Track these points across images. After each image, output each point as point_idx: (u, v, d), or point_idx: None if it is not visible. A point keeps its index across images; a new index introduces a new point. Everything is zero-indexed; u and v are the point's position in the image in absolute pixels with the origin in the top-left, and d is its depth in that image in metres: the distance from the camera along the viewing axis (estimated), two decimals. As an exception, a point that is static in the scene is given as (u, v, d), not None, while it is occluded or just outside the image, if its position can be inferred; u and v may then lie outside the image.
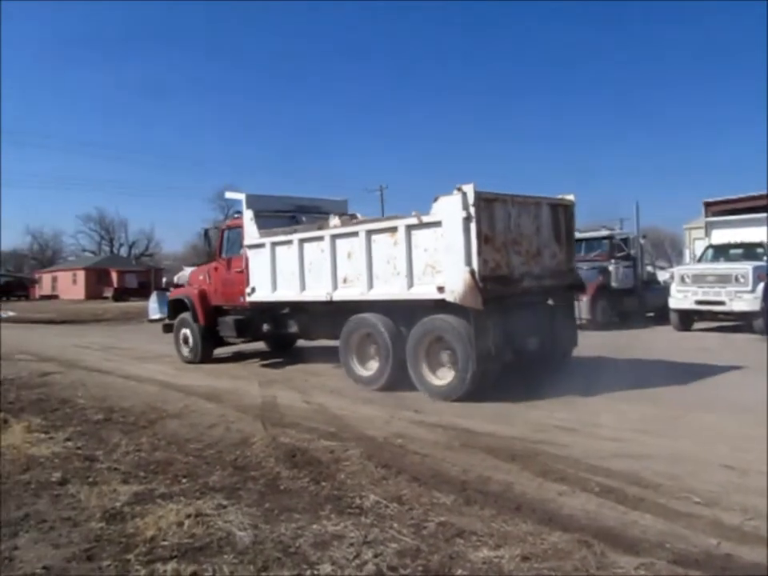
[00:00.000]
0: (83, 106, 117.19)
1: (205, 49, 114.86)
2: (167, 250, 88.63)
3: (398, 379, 8.84)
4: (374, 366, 9.21)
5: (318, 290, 9.83)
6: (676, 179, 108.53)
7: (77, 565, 3.49)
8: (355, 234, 9.30)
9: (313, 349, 12.12)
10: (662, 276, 21.81)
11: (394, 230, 8.77)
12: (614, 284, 18.13)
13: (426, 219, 8.32)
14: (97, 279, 61.69)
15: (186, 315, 12.73)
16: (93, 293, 58.25)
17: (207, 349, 12.53)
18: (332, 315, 9.90)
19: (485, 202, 7.99)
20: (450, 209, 7.97)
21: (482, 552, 3.59)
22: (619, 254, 18.58)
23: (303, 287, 10.14)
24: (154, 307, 28.33)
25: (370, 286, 9.05)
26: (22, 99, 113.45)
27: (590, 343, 11.06)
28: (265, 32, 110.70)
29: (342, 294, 9.52)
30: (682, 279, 16.08)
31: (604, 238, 19.07)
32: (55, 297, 61.59)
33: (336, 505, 4.40)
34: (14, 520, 4.14)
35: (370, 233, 9.08)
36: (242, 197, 11.74)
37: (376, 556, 3.57)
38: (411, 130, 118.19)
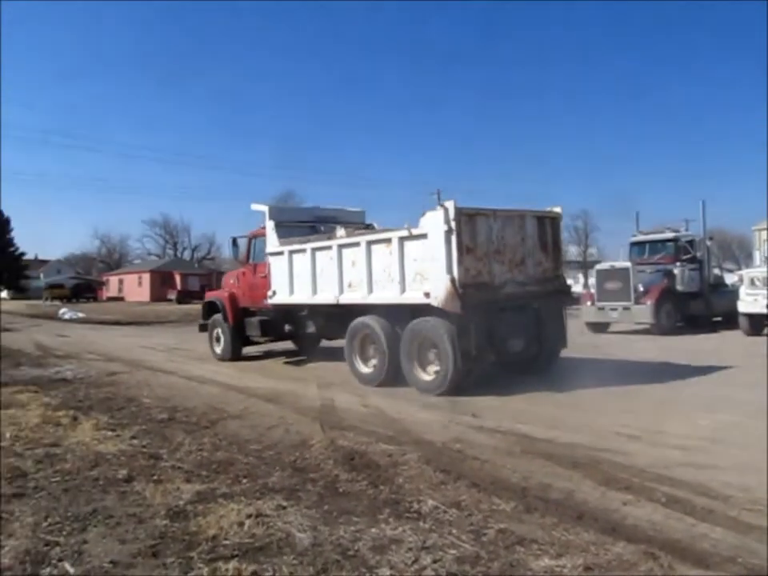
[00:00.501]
0: (149, 114, 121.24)
1: (270, 57, 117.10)
2: (228, 253, 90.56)
3: (395, 376, 9.62)
4: (373, 363, 10.08)
5: (328, 294, 10.87)
6: (743, 179, 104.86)
7: (142, 560, 3.58)
8: (357, 244, 10.29)
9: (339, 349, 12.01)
10: (729, 279, 21.09)
11: (389, 241, 9.69)
12: (679, 287, 17.63)
13: (415, 232, 9.24)
14: (161, 282, 63.50)
15: (218, 316, 13.85)
16: (157, 295, 59.95)
17: (236, 347, 13.59)
18: (341, 317, 10.78)
19: (466, 217, 8.83)
20: (434, 222, 8.82)
21: (543, 561, 3.52)
22: (685, 257, 18.07)
23: (315, 291, 11.17)
24: None
25: (370, 290, 10.02)
26: (92, 106, 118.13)
27: (660, 346, 10.75)
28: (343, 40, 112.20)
29: (348, 298, 10.49)
30: (752, 282, 15.49)
31: (669, 240, 18.56)
32: (121, 299, 63.73)
33: (394, 509, 4.39)
34: (83, 515, 4.28)
35: (369, 243, 10.05)
36: (264, 208, 12.78)
37: (435, 561, 3.54)
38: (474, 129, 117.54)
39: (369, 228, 11.94)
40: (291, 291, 11.74)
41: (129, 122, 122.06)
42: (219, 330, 13.88)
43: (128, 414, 7.87)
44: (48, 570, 3.47)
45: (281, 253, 11.93)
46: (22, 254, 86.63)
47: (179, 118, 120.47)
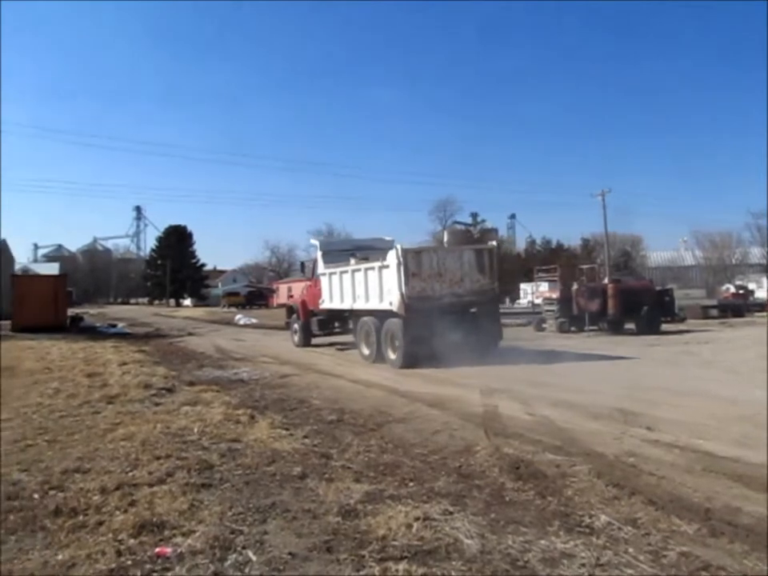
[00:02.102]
0: (309, 128, 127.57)
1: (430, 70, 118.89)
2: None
3: (381, 357, 14.26)
4: (370, 348, 14.93)
5: (347, 302, 15.98)
6: None
7: (317, 555, 3.76)
8: (360, 269, 15.33)
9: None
10: None
11: (374, 268, 14.60)
12: None
13: (385, 263, 14.02)
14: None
15: (295, 316, 19.99)
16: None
17: (306, 338, 19.13)
18: (355, 317, 15.84)
19: (413, 253, 13.91)
20: (391, 258, 13.73)
21: (733, 590, 3.25)
22: None
23: (342, 300, 16.33)
24: None
25: (367, 300, 14.92)
26: (257, 124, 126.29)
27: None
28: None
29: (357, 305, 15.50)
30: None
31: None
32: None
33: (564, 522, 4.26)
34: (263, 507, 4.57)
35: (366, 269, 15.01)
36: (317, 242, 19.30)
37: (610, 580, 3.39)
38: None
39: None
40: (331, 300, 16.99)
41: (300, 137, 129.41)
42: (296, 326, 19.74)
43: (300, 415, 8.30)
44: (234, 556, 3.74)
45: (324, 274, 17.36)
46: (203, 265, 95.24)
47: (345, 132, 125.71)
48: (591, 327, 23.47)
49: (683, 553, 3.75)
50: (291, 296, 24.21)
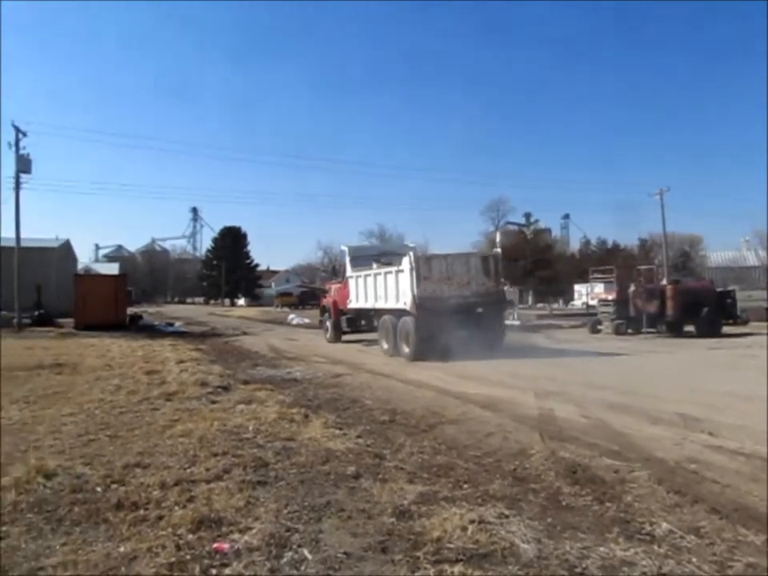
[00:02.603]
0: (364, 129, 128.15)
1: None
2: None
3: (398, 351, 16.07)
4: (389, 343, 16.83)
5: (371, 302, 18.08)
6: None
7: (372, 555, 3.76)
8: (380, 273, 17.51)
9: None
10: None
11: (391, 272, 16.68)
12: None
13: (400, 268, 16.11)
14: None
15: (327, 314, 22.45)
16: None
17: (338, 334, 21.31)
18: (378, 315, 17.97)
19: (423, 259, 15.97)
20: (405, 263, 15.75)
21: (805, 604, 3.12)
22: None
23: (366, 300, 18.43)
24: None
25: (386, 300, 16.98)
26: (312, 125, 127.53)
27: None
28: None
29: (378, 305, 17.59)
30: None
31: None
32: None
33: (624, 528, 4.16)
34: (317, 506, 4.60)
35: (385, 273, 17.12)
36: (346, 249, 21.30)
37: (673, 590, 3.29)
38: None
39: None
40: (357, 300, 19.17)
41: (354, 137, 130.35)
42: (328, 323, 22.19)
43: (352, 414, 8.34)
44: (290, 554, 3.78)
45: (351, 276, 19.60)
46: (257, 265, 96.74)
47: (398, 132, 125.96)
48: (649, 329, 22.92)
49: (750, 564, 3.62)
50: (325, 296, 25.69)
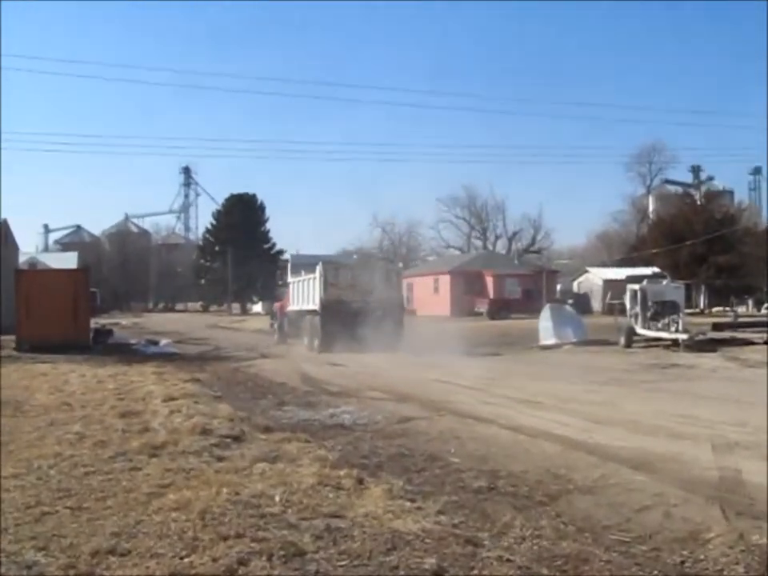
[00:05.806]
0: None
1: None
2: (562, 243, 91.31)
3: (312, 345, 30.84)
4: (308, 338, 31.62)
5: (299, 305, 33.77)
6: None
7: None
8: (305, 280, 32.60)
9: None
10: None
11: (309, 279, 31.82)
12: None
13: (315, 275, 30.89)
14: (465, 287, 66.34)
15: (275, 318, 40.18)
16: (460, 306, 62.82)
17: (282, 336, 36.45)
18: (303, 317, 33.14)
19: (332, 268, 31.74)
20: (317, 271, 30.83)
21: None
22: None
23: (297, 303, 33.99)
24: (547, 327, 29.30)
25: (306, 303, 32.24)
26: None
27: None
28: None
29: (303, 307, 32.73)
30: None
31: None
32: (411, 312, 67.17)
33: None
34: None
35: (308, 279, 32.11)
36: (288, 257, 51.06)
37: None
38: None
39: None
40: (294, 303, 34.54)
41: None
42: (275, 326, 38.88)
43: (431, 478, 8.39)
44: None
45: (291, 282, 35.61)
46: (280, 252, 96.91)
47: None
48: None
49: None
50: (278, 302, 41.02)
